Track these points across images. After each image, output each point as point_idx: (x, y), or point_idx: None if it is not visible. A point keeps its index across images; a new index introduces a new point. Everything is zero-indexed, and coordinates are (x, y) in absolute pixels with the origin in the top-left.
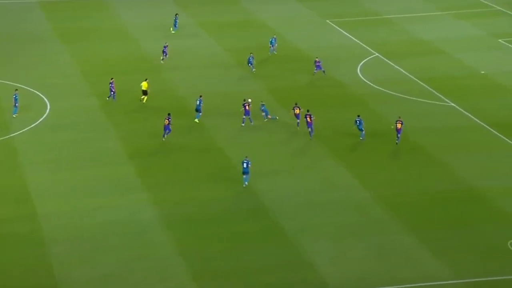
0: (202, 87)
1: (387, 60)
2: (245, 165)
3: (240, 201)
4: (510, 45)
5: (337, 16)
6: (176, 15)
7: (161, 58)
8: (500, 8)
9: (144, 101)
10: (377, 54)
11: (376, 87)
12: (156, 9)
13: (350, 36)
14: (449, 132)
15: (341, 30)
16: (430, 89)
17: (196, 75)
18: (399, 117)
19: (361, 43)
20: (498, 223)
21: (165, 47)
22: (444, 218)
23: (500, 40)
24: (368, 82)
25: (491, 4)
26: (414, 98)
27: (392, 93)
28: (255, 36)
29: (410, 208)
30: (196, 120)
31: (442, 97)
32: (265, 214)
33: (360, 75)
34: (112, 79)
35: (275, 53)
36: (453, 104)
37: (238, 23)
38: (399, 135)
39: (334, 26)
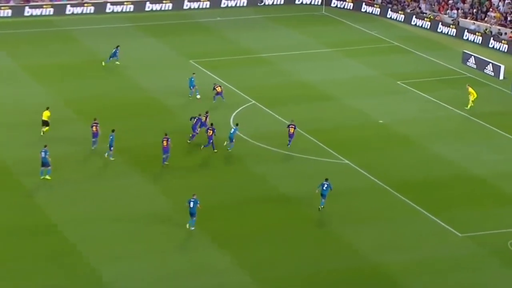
0: (25, 151)
1: (265, 108)
2: (191, 204)
3: None
4: (411, 88)
5: (202, 56)
6: (117, 47)
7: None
8: (398, 44)
9: (45, 131)
10: (253, 101)
11: (254, 142)
12: None
13: (219, 80)
14: (343, 196)
15: (208, 72)
16: (318, 142)
17: (20, 132)
18: (292, 121)
19: (233, 88)
20: None
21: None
22: None
23: (399, 82)
24: (244, 137)
25: (387, 39)
26: (299, 155)
27: (274, 149)
28: (99, 81)
29: None
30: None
31: (333, 153)
32: None
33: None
34: None
35: (198, 97)
36: (346, 161)
37: (79, 65)
38: (290, 139)
39: (199, 67)
